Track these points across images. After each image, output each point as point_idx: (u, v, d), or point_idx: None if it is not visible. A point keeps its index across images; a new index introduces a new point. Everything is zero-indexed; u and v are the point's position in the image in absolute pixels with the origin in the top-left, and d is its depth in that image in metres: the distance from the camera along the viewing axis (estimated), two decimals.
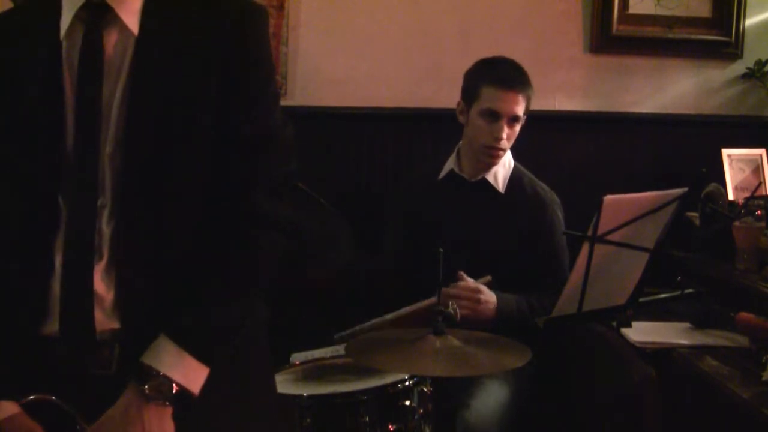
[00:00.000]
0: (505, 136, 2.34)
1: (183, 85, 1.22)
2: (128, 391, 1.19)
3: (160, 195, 1.22)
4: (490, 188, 2.42)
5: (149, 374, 1.18)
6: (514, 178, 2.45)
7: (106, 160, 1.22)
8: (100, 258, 1.22)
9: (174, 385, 1.19)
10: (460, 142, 2.49)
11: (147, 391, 1.18)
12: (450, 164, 2.49)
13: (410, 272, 2.47)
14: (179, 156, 1.22)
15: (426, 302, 2.14)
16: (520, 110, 2.35)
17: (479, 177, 2.44)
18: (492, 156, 2.39)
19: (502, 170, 2.45)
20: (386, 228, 2.63)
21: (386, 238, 2.61)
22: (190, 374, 1.20)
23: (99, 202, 1.22)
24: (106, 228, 1.22)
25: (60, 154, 1.22)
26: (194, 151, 1.23)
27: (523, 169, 2.50)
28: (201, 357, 1.21)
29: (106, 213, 1.22)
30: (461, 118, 2.44)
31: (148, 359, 1.19)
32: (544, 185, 2.49)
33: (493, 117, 2.33)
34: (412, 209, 2.53)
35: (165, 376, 1.18)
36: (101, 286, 1.22)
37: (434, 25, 2.87)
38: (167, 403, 1.19)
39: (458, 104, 2.45)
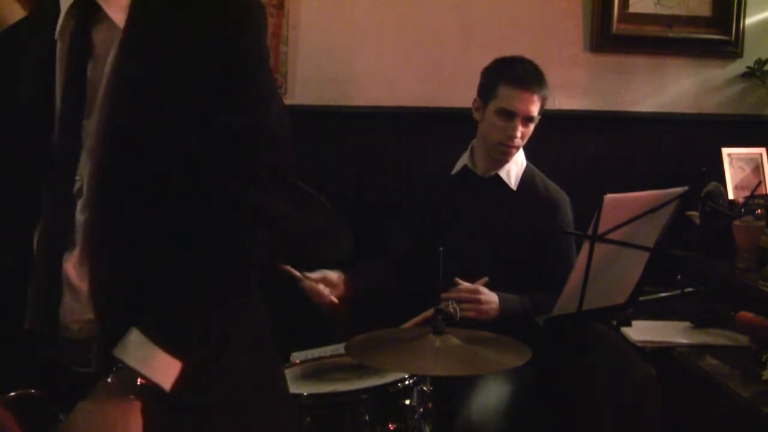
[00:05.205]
0: (519, 135, 2.38)
1: (168, 78, 1.21)
2: (99, 383, 1.17)
3: (138, 186, 1.20)
4: (503, 185, 2.45)
5: (117, 366, 1.16)
6: (527, 177, 2.48)
7: (87, 153, 1.21)
8: (74, 247, 1.21)
9: (139, 378, 1.15)
10: (474, 140, 2.51)
11: (111, 383, 1.15)
12: (463, 160, 2.52)
13: (415, 266, 2.47)
14: (159, 148, 1.21)
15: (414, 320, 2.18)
16: (534, 110, 2.38)
17: (492, 173, 2.46)
18: (504, 153, 2.42)
19: (515, 168, 2.47)
20: (396, 221, 2.63)
21: (396, 229, 2.61)
22: (159, 368, 1.15)
23: (75, 190, 1.21)
24: (79, 216, 1.21)
25: (48, 150, 1.22)
26: (176, 144, 1.21)
27: (535, 168, 2.52)
28: (172, 351, 1.16)
29: (80, 202, 1.22)
30: (477, 115, 2.47)
31: (117, 351, 1.16)
32: (555, 185, 2.51)
33: (509, 116, 2.37)
34: (425, 203, 2.55)
35: (131, 369, 1.15)
36: (75, 276, 1.21)
37: (434, 25, 2.87)
38: (132, 396, 1.15)
39: (474, 101, 2.48)
